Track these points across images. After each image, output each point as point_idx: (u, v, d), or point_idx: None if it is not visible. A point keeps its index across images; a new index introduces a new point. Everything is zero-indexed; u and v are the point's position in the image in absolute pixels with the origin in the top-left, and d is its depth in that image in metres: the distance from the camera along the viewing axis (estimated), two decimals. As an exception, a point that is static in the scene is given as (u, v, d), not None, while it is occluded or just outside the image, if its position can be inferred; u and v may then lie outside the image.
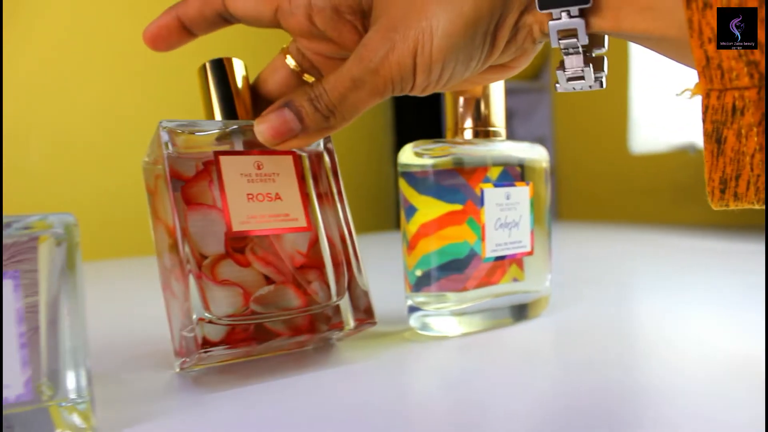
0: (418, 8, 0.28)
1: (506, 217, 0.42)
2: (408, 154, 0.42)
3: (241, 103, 0.36)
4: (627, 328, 0.43)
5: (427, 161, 0.41)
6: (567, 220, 1.70)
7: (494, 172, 0.42)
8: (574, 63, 0.29)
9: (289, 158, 0.35)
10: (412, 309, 0.42)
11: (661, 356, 0.35)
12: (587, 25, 0.27)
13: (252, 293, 0.34)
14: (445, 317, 0.41)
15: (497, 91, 0.43)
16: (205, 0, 0.32)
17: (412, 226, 0.42)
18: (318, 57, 0.34)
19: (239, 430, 0.27)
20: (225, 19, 0.32)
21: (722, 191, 0.26)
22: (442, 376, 0.34)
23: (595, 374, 0.32)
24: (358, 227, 0.39)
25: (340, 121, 0.29)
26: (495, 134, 0.43)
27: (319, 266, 0.36)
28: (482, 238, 0.41)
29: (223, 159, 0.33)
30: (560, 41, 0.28)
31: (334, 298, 0.36)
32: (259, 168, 0.34)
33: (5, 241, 0.25)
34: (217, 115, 0.36)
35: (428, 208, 0.41)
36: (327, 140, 0.38)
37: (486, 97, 0.42)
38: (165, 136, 0.32)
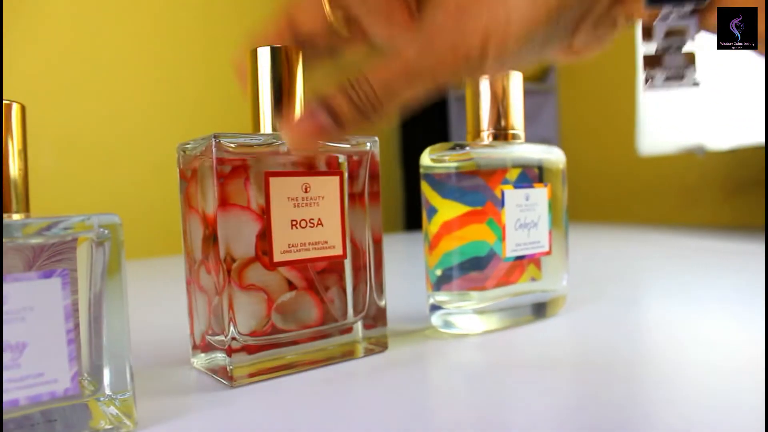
0: None
1: (525, 217, 0.43)
2: (427, 157, 0.43)
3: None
4: (642, 327, 0.44)
5: (448, 164, 0.42)
6: (572, 221, 1.71)
7: (513, 174, 0.43)
8: (676, 62, 0.27)
9: (336, 179, 0.36)
10: (434, 307, 0.43)
11: (676, 354, 0.36)
12: (700, 24, 0.25)
13: (275, 299, 0.35)
14: (466, 315, 0.42)
15: (516, 94, 0.44)
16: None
17: (433, 227, 0.43)
18: (360, 9, 0.31)
19: (267, 424, 0.28)
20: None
21: None
22: (463, 373, 0.35)
23: (612, 372, 0.33)
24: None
25: (383, 117, 0.26)
26: (514, 137, 0.44)
27: (339, 270, 0.37)
28: (503, 238, 0.42)
29: (272, 180, 0.34)
30: (664, 39, 0.26)
31: (350, 312, 0.37)
32: (306, 191, 0.35)
33: (48, 241, 0.26)
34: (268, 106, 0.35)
35: (448, 209, 0.42)
36: (373, 143, 0.38)
37: (506, 100, 0.43)
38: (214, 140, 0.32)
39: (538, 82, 1.77)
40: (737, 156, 1.24)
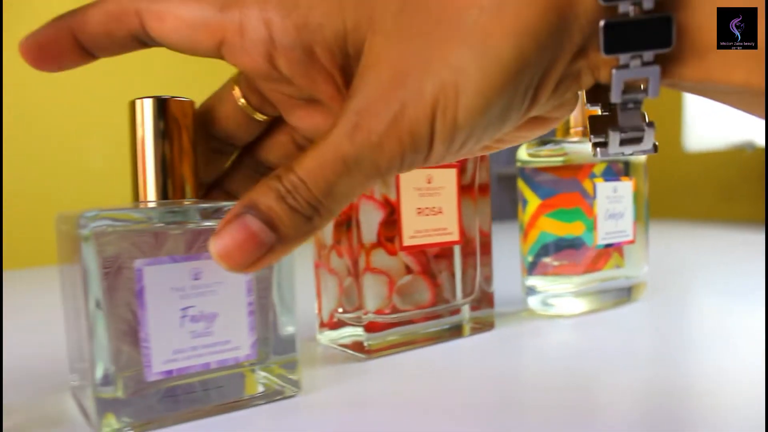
0: (437, 53, 0.19)
1: (614, 208, 0.46)
2: (523, 152, 0.46)
3: None
4: (717, 312, 0.47)
5: (539, 159, 0.45)
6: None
7: (599, 168, 0.47)
8: (633, 121, 0.22)
9: (454, 171, 0.39)
10: (530, 291, 0.46)
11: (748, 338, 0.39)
12: (665, 74, 0.21)
13: (395, 281, 0.38)
14: (565, 298, 0.46)
15: (604, 94, 0.47)
16: (113, 14, 0.23)
17: (526, 216, 0.46)
18: (277, 95, 0.26)
19: (399, 390, 0.31)
20: (141, 41, 0.24)
21: None
22: (556, 350, 0.38)
23: (699, 353, 0.36)
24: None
25: (328, 217, 0.21)
26: (601, 133, 0.47)
27: (449, 256, 0.41)
28: (594, 227, 0.46)
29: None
30: (623, 95, 0.21)
31: (459, 294, 0.41)
32: (429, 182, 0.38)
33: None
34: None
35: (540, 201, 0.45)
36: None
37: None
38: None
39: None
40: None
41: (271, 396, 0.31)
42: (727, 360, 0.34)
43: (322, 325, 0.41)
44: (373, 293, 0.37)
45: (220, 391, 0.30)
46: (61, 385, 0.34)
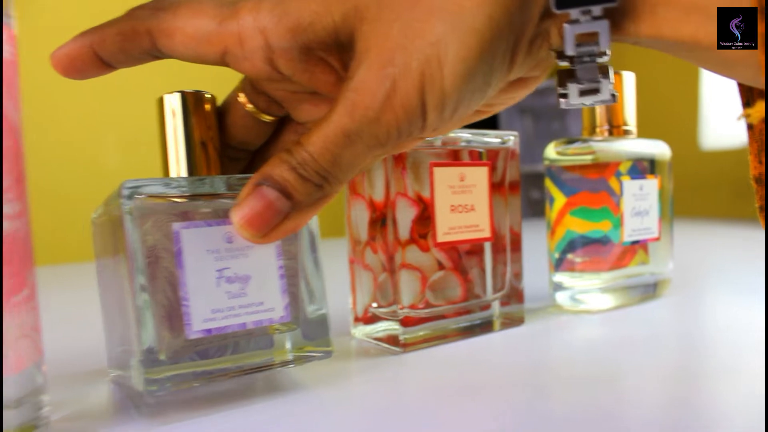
0: (417, 30, 0.22)
1: (640, 206, 0.47)
2: (551, 151, 0.47)
3: None
4: (740, 308, 0.48)
5: (566, 157, 0.46)
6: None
7: (625, 166, 0.47)
8: (589, 74, 0.24)
9: (486, 169, 0.40)
10: (557, 287, 0.47)
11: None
12: (617, 30, 0.23)
13: (428, 277, 0.39)
14: (593, 294, 0.46)
15: (629, 91, 0.47)
16: (126, 34, 0.25)
17: (553, 214, 0.47)
18: (282, 93, 0.28)
19: (434, 382, 0.32)
20: (154, 55, 0.26)
21: None
22: (585, 344, 0.39)
23: (724, 347, 0.37)
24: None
25: (337, 184, 0.24)
26: (627, 132, 0.48)
27: (479, 252, 0.41)
28: (621, 224, 0.46)
29: (436, 170, 0.38)
30: (577, 48, 0.23)
31: (489, 290, 0.42)
32: (462, 180, 0.39)
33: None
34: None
35: (567, 198, 0.46)
36: (511, 137, 0.42)
37: (620, 96, 0.47)
38: None
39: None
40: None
41: (302, 361, 0.31)
42: (750, 354, 0.34)
43: (357, 319, 0.41)
44: (407, 289, 0.38)
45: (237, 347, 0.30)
46: (99, 376, 0.35)
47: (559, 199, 0.47)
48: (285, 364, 0.31)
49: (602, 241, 0.46)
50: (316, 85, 0.26)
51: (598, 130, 0.48)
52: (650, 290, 0.49)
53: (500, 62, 0.23)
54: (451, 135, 0.39)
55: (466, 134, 0.40)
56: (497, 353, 0.37)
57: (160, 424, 0.28)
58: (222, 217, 0.29)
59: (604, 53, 0.23)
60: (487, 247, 0.42)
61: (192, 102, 0.30)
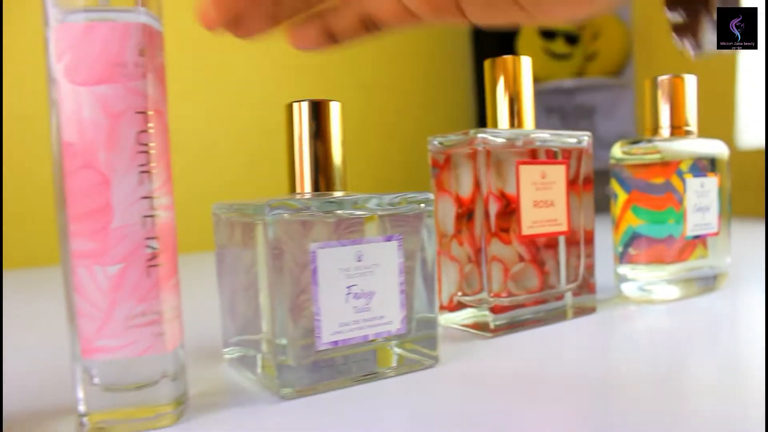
0: None
1: (701, 202, 0.49)
2: (617, 150, 0.49)
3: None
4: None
5: (632, 156, 0.48)
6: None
7: (685, 165, 0.50)
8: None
9: (563, 167, 0.43)
10: (621, 279, 0.50)
11: None
12: None
13: (509, 269, 0.41)
14: (660, 285, 0.49)
15: (691, 94, 0.50)
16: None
17: (616, 210, 0.50)
18: None
19: (522, 363, 0.35)
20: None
21: None
22: (652, 331, 0.41)
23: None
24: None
25: None
26: (688, 132, 0.50)
27: (555, 246, 0.44)
28: (684, 220, 0.48)
29: (522, 168, 0.41)
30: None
31: (563, 281, 0.44)
32: (543, 177, 0.42)
33: (397, 211, 0.33)
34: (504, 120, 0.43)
35: (630, 194, 0.48)
36: (585, 138, 0.45)
37: (683, 99, 0.49)
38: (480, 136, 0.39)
39: (613, 76, 1.81)
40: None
41: (410, 367, 0.34)
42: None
43: (442, 307, 0.44)
44: (492, 279, 0.41)
45: (359, 364, 0.33)
46: (213, 358, 0.38)
47: (622, 196, 0.50)
48: (396, 371, 0.34)
49: (665, 236, 0.49)
50: None
51: (660, 130, 0.50)
52: (710, 282, 0.52)
53: None
54: (532, 136, 0.42)
55: (544, 134, 0.42)
56: (571, 340, 0.40)
57: (277, 400, 0.30)
58: (334, 236, 0.32)
59: None
60: (562, 240, 0.44)
61: (321, 111, 0.33)
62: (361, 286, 0.32)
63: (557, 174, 0.42)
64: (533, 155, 0.42)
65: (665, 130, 0.50)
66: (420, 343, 0.34)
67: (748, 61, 1.42)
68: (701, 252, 0.51)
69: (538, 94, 1.88)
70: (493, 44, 1.83)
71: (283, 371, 0.30)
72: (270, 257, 0.29)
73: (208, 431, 0.27)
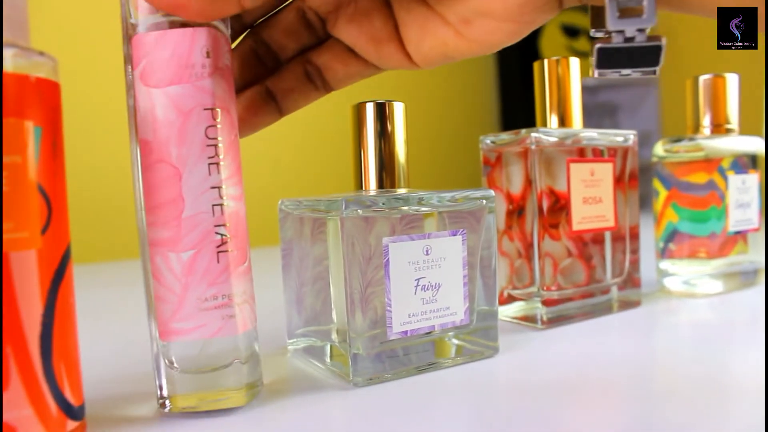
0: None
1: (742, 198, 0.51)
2: (659, 148, 0.51)
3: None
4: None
5: (675, 154, 0.49)
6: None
7: (726, 162, 0.51)
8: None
9: (610, 165, 0.44)
10: (663, 273, 0.51)
11: None
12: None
13: (558, 263, 0.43)
14: (703, 279, 0.50)
15: (733, 92, 0.51)
16: None
17: (657, 206, 0.51)
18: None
19: (573, 353, 0.36)
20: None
21: None
22: (696, 324, 0.42)
23: None
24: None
25: None
26: (729, 130, 0.51)
27: (601, 241, 0.45)
28: (726, 216, 0.50)
29: (572, 166, 0.42)
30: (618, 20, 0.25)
31: (609, 275, 0.45)
32: (592, 174, 0.43)
33: (461, 208, 0.35)
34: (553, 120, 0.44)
35: (667, 192, 0.50)
36: (627, 135, 0.46)
37: (725, 97, 0.51)
38: (533, 136, 0.41)
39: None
40: None
41: (470, 357, 0.36)
42: None
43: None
44: (546, 272, 0.42)
45: (419, 355, 0.35)
46: (277, 349, 0.40)
47: (662, 193, 0.51)
48: (455, 361, 0.35)
49: (706, 231, 0.50)
50: None
51: (701, 128, 0.51)
52: (750, 277, 0.53)
53: None
54: (581, 135, 0.43)
55: (592, 133, 0.44)
56: (618, 332, 0.41)
57: (347, 387, 0.32)
58: (395, 232, 0.33)
59: None
60: (608, 236, 0.45)
61: (386, 112, 0.35)
62: (428, 278, 0.33)
63: (605, 171, 0.44)
64: (581, 154, 0.44)
65: (707, 128, 0.51)
66: (480, 334, 0.36)
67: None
68: (742, 247, 0.52)
69: (562, 93, 1.89)
70: (513, 45, 1.84)
71: (355, 360, 0.32)
72: (346, 251, 0.31)
73: (285, 414, 0.29)
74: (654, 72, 0.26)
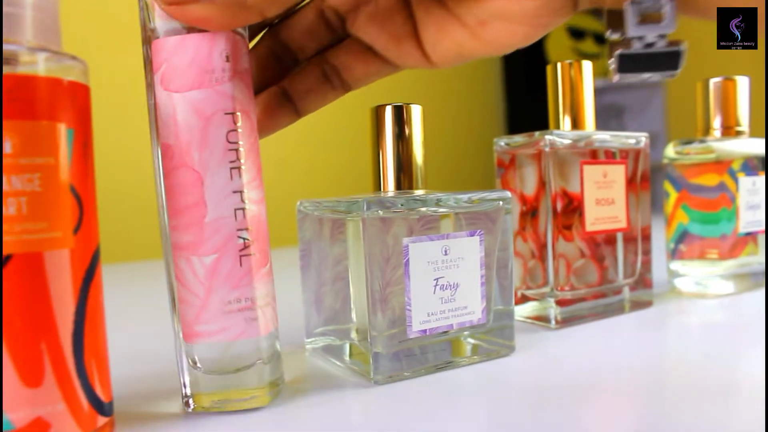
0: None
1: (752, 200, 0.51)
2: (671, 150, 0.51)
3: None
4: None
5: (686, 156, 0.50)
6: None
7: (736, 164, 0.51)
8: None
9: (623, 167, 0.45)
10: (674, 274, 0.51)
11: None
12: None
13: (572, 264, 0.43)
14: (714, 280, 0.50)
15: (743, 94, 0.51)
16: None
17: (668, 208, 0.51)
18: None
19: (587, 351, 0.37)
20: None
21: None
22: (708, 324, 0.43)
23: None
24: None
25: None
26: (739, 133, 0.52)
27: (613, 242, 0.46)
28: (737, 218, 0.50)
29: (585, 168, 0.43)
30: (637, 27, 0.25)
31: (621, 276, 0.46)
32: (604, 176, 0.44)
33: (478, 209, 0.35)
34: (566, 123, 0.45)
35: (677, 194, 0.50)
36: (638, 137, 0.46)
37: (734, 100, 0.51)
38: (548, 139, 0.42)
39: (643, 77, 1.81)
40: None
41: (487, 356, 0.36)
42: None
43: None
44: (560, 274, 0.43)
45: (435, 354, 0.35)
46: (295, 348, 0.40)
47: (672, 194, 0.52)
48: (473, 359, 0.36)
49: (717, 233, 0.50)
50: None
51: (711, 130, 0.52)
52: (761, 278, 0.53)
53: None
54: (594, 137, 0.44)
55: (605, 135, 0.44)
56: (630, 332, 0.42)
57: (367, 384, 0.33)
58: (413, 232, 0.34)
59: None
60: (620, 237, 0.46)
61: (404, 115, 0.35)
62: (447, 278, 0.34)
63: (617, 173, 0.44)
64: (593, 156, 0.44)
65: (717, 131, 0.52)
66: (496, 333, 0.36)
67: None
68: (752, 249, 0.53)
69: (568, 94, 1.89)
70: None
71: (376, 359, 0.32)
72: (367, 251, 0.32)
73: (308, 411, 0.29)
74: (674, 75, 0.26)
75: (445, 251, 0.34)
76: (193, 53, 0.28)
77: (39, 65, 0.24)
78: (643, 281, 0.47)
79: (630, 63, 0.25)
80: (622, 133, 0.46)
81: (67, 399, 0.25)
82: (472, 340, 0.37)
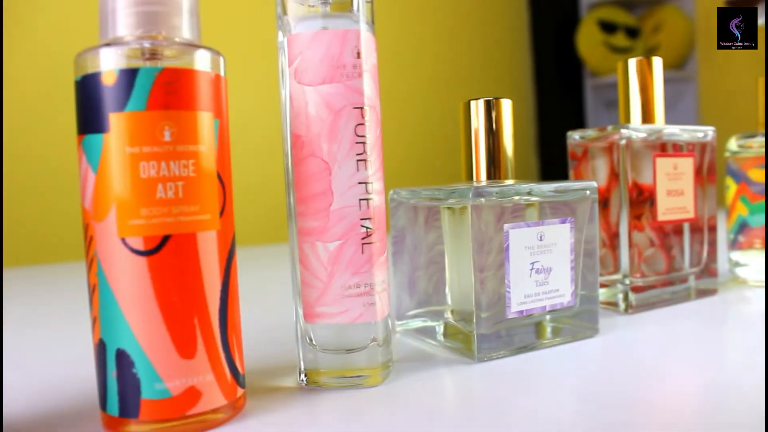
0: None
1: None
2: (733, 144, 0.53)
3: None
4: None
5: (749, 150, 0.51)
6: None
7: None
8: None
9: (691, 159, 0.46)
10: (735, 263, 0.53)
11: None
12: None
13: (642, 252, 0.45)
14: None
15: (803, 91, 0.53)
16: None
17: (729, 200, 0.53)
18: None
19: (660, 337, 0.39)
20: None
21: None
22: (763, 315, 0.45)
23: None
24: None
25: None
26: (799, 126, 0.53)
27: (680, 232, 0.47)
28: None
29: (658, 161, 0.44)
30: None
31: (687, 264, 0.48)
32: (675, 168, 0.45)
33: (565, 198, 0.37)
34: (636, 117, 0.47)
35: (737, 186, 0.52)
36: (706, 131, 0.48)
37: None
38: (625, 133, 0.43)
39: (676, 69, 1.82)
40: None
41: (573, 337, 0.38)
42: None
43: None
44: (626, 262, 0.44)
45: (520, 336, 0.37)
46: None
47: (732, 187, 0.53)
48: (557, 341, 0.38)
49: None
50: None
51: (773, 125, 0.53)
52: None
53: None
54: (665, 131, 0.45)
55: (674, 129, 0.46)
56: (698, 318, 0.43)
57: (465, 362, 0.35)
58: (500, 221, 0.36)
59: None
60: (686, 227, 0.48)
61: (495, 108, 0.37)
62: (542, 262, 0.36)
63: (686, 165, 0.46)
64: (662, 148, 0.46)
65: (775, 125, 0.53)
66: (582, 316, 0.38)
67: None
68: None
69: (599, 88, 1.90)
70: (550, 41, 1.85)
71: (480, 339, 0.34)
72: (473, 236, 0.33)
73: (418, 387, 0.31)
74: None
75: (540, 237, 0.36)
76: (326, 49, 0.30)
77: (193, 59, 0.26)
78: (708, 270, 0.49)
79: None
80: (690, 126, 0.47)
81: (215, 370, 0.27)
82: (554, 324, 0.39)
